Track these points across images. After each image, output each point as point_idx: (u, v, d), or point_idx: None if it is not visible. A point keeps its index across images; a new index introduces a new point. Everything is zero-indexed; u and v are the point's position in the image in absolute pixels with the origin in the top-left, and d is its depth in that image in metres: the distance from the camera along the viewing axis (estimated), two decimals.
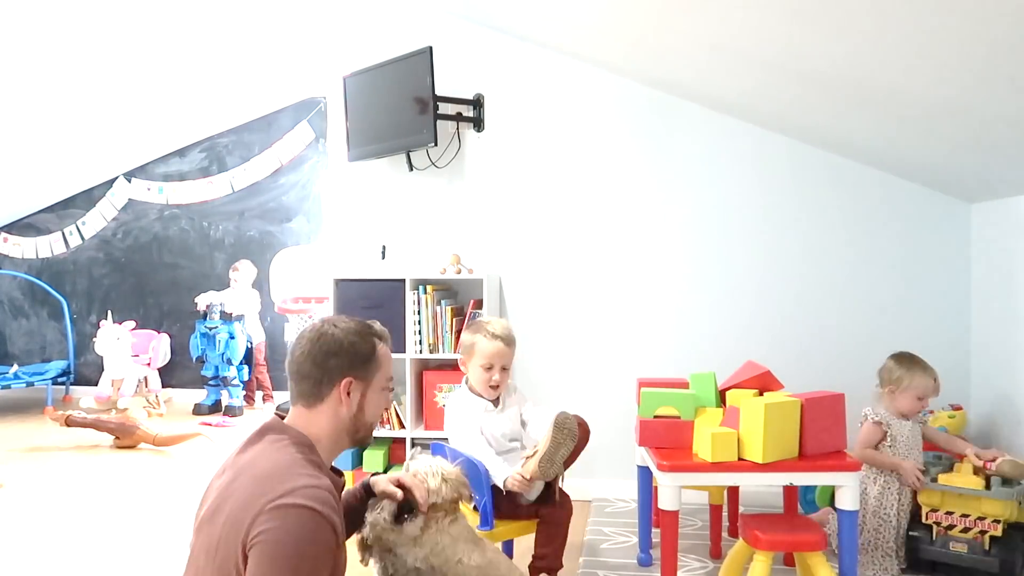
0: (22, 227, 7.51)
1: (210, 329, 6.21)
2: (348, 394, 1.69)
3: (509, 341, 2.68)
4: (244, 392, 6.38)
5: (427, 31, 4.06)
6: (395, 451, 3.97)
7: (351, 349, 1.70)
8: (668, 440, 2.69)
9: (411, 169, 4.15)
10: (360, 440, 1.76)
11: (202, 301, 6.38)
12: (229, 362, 6.23)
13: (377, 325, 1.80)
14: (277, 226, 6.96)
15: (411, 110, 3.92)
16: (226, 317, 6.22)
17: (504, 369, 2.67)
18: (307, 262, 6.51)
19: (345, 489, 1.80)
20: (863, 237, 3.77)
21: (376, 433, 3.89)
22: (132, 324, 6.66)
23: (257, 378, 6.63)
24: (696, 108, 3.88)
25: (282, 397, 6.58)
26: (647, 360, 3.91)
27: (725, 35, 2.91)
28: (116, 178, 7.26)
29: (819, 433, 2.56)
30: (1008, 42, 2.04)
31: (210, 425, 5.84)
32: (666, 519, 2.51)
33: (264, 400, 6.62)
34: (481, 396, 2.70)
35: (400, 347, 3.89)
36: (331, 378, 1.67)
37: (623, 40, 3.52)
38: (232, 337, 6.23)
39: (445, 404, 2.85)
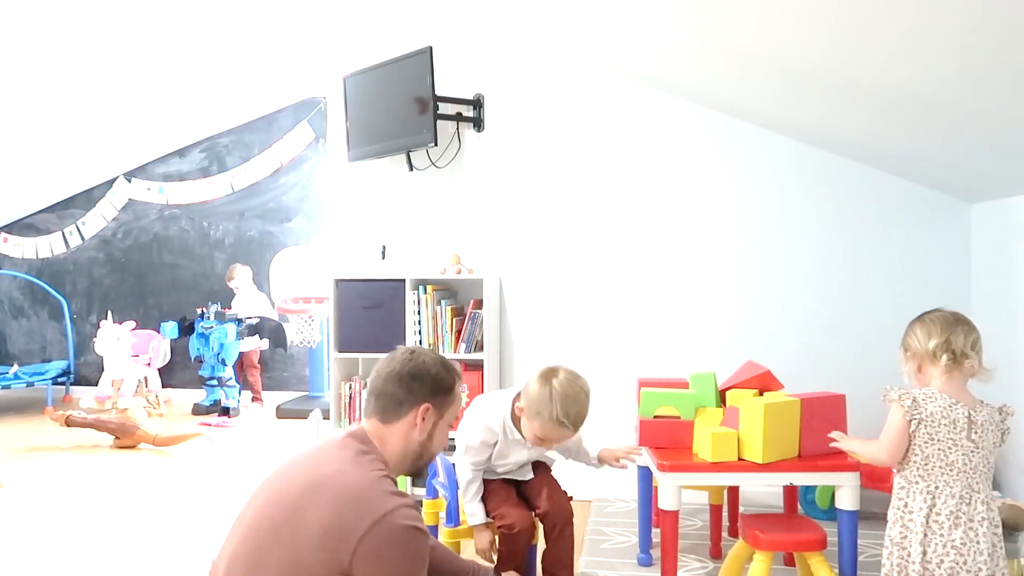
0: (22, 227, 7.51)
1: (206, 330, 6.21)
2: (423, 419, 1.80)
3: (577, 428, 2.41)
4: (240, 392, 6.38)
5: (427, 31, 4.06)
6: None
7: (436, 378, 1.83)
8: (668, 440, 2.69)
9: (411, 169, 4.15)
10: (420, 468, 1.88)
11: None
12: (224, 362, 6.24)
13: (457, 366, 1.94)
14: (277, 226, 6.96)
15: (411, 110, 3.92)
16: (220, 317, 6.23)
17: (551, 444, 2.47)
18: (307, 262, 6.51)
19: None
20: (863, 237, 3.77)
21: None
22: (132, 324, 6.66)
23: (248, 380, 6.63)
24: (696, 108, 3.88)
25: (273, 399, 6.58)
26: (647, 360, 3.91)
27: (725, 35, 2.91)
28: (116, 178, 7.26)
29: (819, 433, 2.56)
30: (1008, 42, 2.03)
31: (209, 425, 5.84)
32: (666, 519, 2.51)
33: (252, 401, 6.61)
34: (519, 432, 2.48)
35: None
36: (412, 400, 1.79)
37: (623, 40, 3.52)
38: (232, 338, 6.23)
39: (473, 401, 2.67)
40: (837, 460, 2.53)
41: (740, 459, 2.52)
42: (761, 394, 2.76)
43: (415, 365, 1.82)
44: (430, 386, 1.81)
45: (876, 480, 3.44)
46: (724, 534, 3.26)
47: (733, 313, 3.85)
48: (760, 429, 2.45)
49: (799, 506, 3.29)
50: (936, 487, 2.00)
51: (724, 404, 2.79)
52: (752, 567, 2.41)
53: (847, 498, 2.49)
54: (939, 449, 2.00)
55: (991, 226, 3.52)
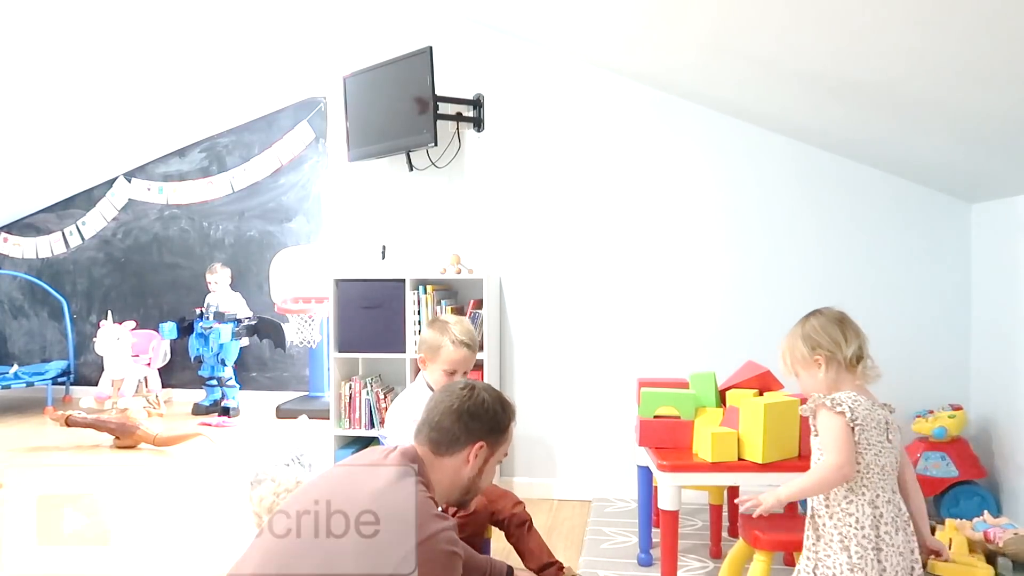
0: (22, 227, 7.51)
1: (205, 330, 6.21)
2: (476, 456, 1.82)
3: (474, 347, 2.63)
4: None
5: (427, 31, 4.06)
6: None
7: (494, 418, 1.85)
8: (668, 440, 2.69)
9: (411, 169, 4.15)
10: (465, 501, 1.89)
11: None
12: (224, 363, 6.24)
13: (513, 405, 1.96)
14: (277, 226, 6.96)
15: (411, 110, 3.92)
16: (220, 318, 6.23)
17: (466, 373, 2.62)
18: (307, 262, 6.51)
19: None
20: (863, 237, 3.77)
21: (375, 433, 3.90)
22: (132, 324, 6.66)
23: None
24: (696, 108, 3.88)
25: (273, 399, 6.57)
26: (647, 360, 3.91)
27: (725, 35, 2.91)
28: (116, 178, 7.25)
29: None
30: (1009, 41, 2.03)
31: (209, 425, 5.84)
32: (666, 519, 2.51)
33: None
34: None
35: (400, 347, 3.89)
36: (468, 438, 1.81)
37: (623, 40, 3.52)
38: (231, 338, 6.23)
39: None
40: None
41: (740, 459, 2.52)
42: (761, 394, 2.76)
43: (475, 403, 1.83)
44: (488, 426, 1.83)
45: None
46: (724, 534, 3.27)
47: (734, 313, 3.85)
48: (760, 429, 2.45)
49: (799, 506, 3.28)
50: (877, 494, 1.90)
51: (724, 404, 2.79)
52: (752, 567, 2.40)
53: None
54: (875, 454, 1.91)
55: (991, 226, 3.52)
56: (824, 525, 1.94)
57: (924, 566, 1.97)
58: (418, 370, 2.69)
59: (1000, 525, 2.04)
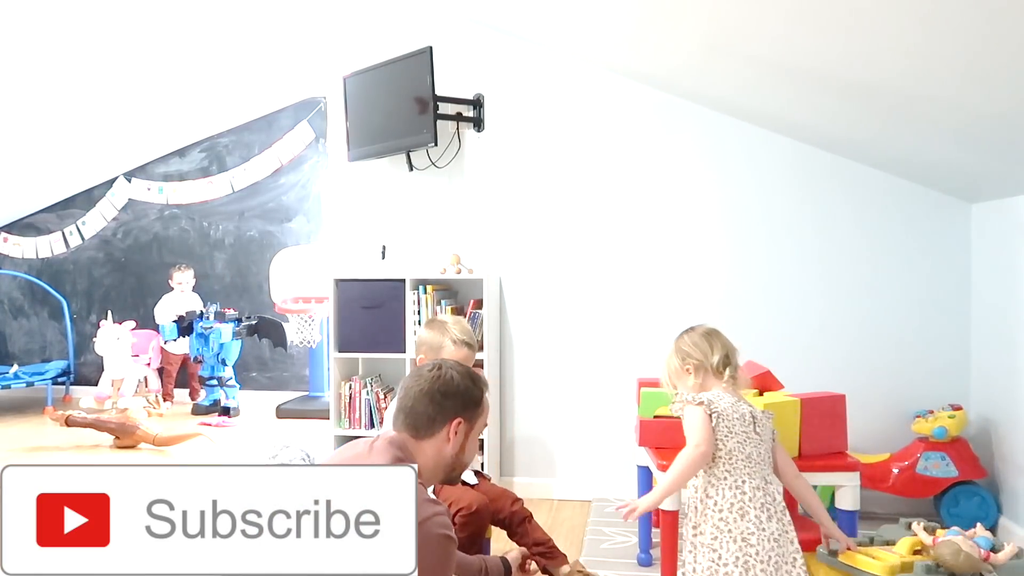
0: (22, 227, 7.50)
1: (205, 330, 6.21)
2: (455, 433, 1.83)
3: (475, 346, 2.62)
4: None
5: (427, 31, 4.06)
6: None
7: (466, 393, 1.86)
8: (668, 440, 2.69)
9: (411, 169, 4.15)
10: (452, 479, 1.91)
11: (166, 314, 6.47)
12: (224, 362, 6.24)
13: (483, 376, 1.97)
14: (277, 226, 6.96)
15: (411, 110, 3.92)
16: (220, 318, 6.23)
17: None
18: (307, 262, 6.51)
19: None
20: (863, 237, 3.77)
21: (373, 432, 3.90)
22: (132, 324, 6.66)
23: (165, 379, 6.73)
24: (696, 108, 3.88)
25: (273, 399, 6.57)
26: (647, 360, 3.90)
27: (725, 35, 2.91)
28: (116, 178, 7.25)
29: (819, 433, 2.57)
30: (1009, 41, 2.03)
31: (209, 425, 5.84)
32: (666, 519, 2.52)
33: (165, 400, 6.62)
34: None
35: (400, 347, 3.89)
36: (444, 417, 1.82)
37: (623, 40, 3.52)
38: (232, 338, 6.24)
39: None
40: (837, 460, 2.53)
41: None
42: (761, 394, 2.76)
43: (444, 382, 1.84)
44: (461, 401, 1.85)
45: (876, 480, 3.45)
46: None
47: (733, 313, 3.85)
48: None
49: (799, 506, 3.28)
50: (742, 480, 2.03)
51: None
52: None
53: (847, 498, 2.50)
54: (738, 442, 2.05)
55: (991, 226, 3.52)
56: (695, 509, 2.09)
57: (835, 555, 2.12)
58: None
59: (977, 536, 1.98)
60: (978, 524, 2.01)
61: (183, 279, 6.70)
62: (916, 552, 2.02)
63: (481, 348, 3.85)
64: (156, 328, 6.69)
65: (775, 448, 2.15)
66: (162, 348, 6.71)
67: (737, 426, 2.06)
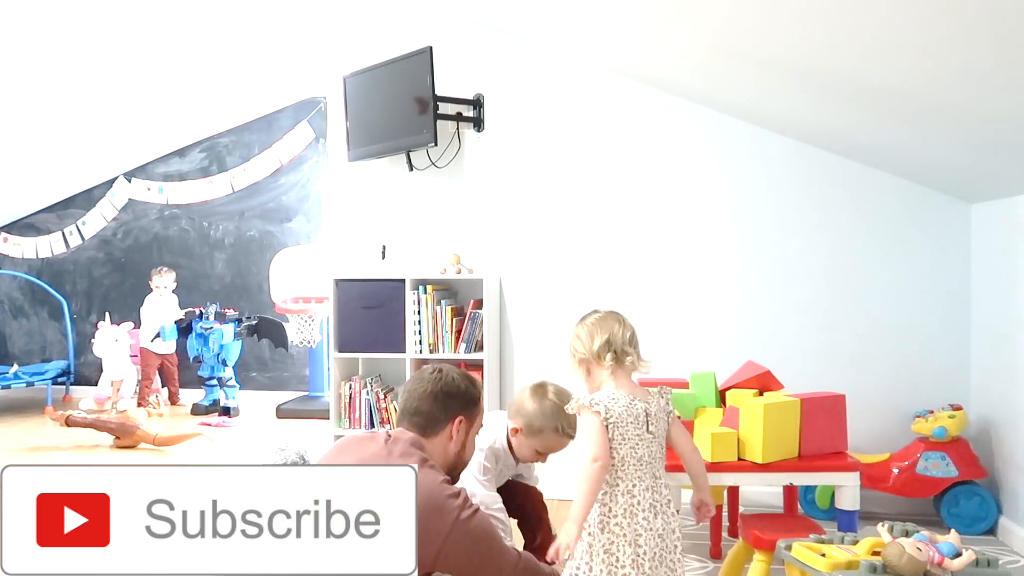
0: (22, 227, 7.50)
1: (205, 330, 6.22)
2: (457, 431, 1.98)
3: (575, 436, 2.44)
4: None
5: (427, 31, 4.06)
6: None
7: (466, 393, 2.01)
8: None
9: (411, 169, 4.15)
10: (455, 476, 2.02)
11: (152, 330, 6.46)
12: (224, 363, 6.23)
13: (479, 380, 2.14)
14: (277, 226, 6.96)
15: (411, 110, 3.92)
16: (220, 318, 6.23)
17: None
18: (307, 262, 6.51)
19: None
20: (863, 237, 3.76)
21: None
22: (130, 325, 6.66)
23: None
24: (696, 108, 3.88)
25: (273, 399, 6.57)
26: (647, 360, 3.90)
27: (725, 35, 2.91)
28: (116, 178, 7.25)
29: (819, 433, 2.57)
30: (1010, 42, 2.03)
31: (209, 425, 5.84)
32: None
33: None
34: (511, 453, 2.52)
35: (400, 347, 3.89)
36: (447, 415, 1.97)
37: (625, 40, 3.52)
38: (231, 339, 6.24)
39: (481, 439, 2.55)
40: (837, 460, 2.53)
41: (740, 459, 2.52)
42: (761, 394, 2.76)
43: (446, 383, 1.98)
44: (461, 400, 1.99)
45: (876, 480, 3.45)
46: (724, 534, 3.27)
47: (733, 313, 3.85)
48: (760, 429, 2.45)
49: (799, 506, 3.29)
50: (633, 484, 2.04)
51: (724, 404, 2.79)
52: (752, 567, 2.41)
53: (847, 498, 2.49)
54: (631, 448, 2.05)
55: (991, 226, 3.52)
56: (594, 513, 2.06)
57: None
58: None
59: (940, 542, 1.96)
60: (952, 530, 1.98)
61: (163, 282, 6.61)
62: (875, 553, 1.97)
63: (481, 348, 3.86)
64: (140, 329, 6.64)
65: (672, 425, 2.14)
66: (142, 349, 6.57)
67: (631, 430, 2.04)
